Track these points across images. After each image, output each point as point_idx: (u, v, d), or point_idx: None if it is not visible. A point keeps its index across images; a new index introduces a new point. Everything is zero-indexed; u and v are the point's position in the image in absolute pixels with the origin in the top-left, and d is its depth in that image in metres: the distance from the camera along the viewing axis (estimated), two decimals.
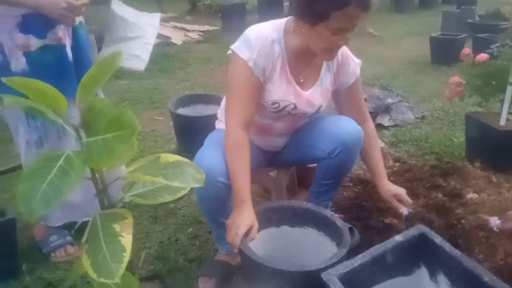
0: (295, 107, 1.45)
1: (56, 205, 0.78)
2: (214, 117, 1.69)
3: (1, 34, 1.43)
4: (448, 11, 6.37)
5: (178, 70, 4.48)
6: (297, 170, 1.97)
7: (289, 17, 1.41)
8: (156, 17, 4.86)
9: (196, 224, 1.88)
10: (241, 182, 1.31)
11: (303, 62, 1.44)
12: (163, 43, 5.43)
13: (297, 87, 1.44)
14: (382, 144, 2.57)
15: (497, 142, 2.17)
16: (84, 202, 1.63)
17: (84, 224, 0.92)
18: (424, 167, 2.27)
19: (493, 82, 2.18)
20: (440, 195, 1.96)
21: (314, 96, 1.48)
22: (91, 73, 0.89)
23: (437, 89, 3.51)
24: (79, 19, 1.59)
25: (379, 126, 2.86)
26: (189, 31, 6.24)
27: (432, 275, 1.18)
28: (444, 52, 4.44)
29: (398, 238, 1.19)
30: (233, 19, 6.06)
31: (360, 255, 1.13)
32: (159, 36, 5.22)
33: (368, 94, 3.24)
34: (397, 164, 2.35)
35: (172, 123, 2.67)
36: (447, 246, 1.13)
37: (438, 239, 1.16)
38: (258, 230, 1.32)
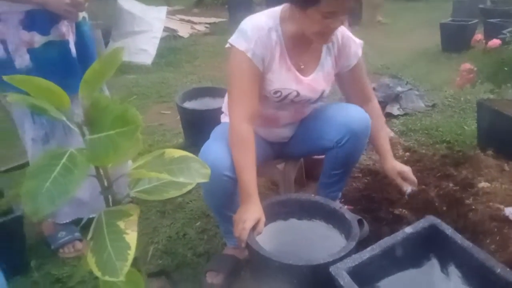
0: (298, 94, 1.44)
1: (61, 204, 0.78)
2: (221, 111, 1.68)
3: (5, 31, 1.42)
4: None
5: (185, 63, 4.46)
6: (305, 162, 1.95)
7: (284, 4, 1.39)
8: (162, 11, 4.85)
9: (204, 218, 1.88)
10: (247, 176, 1.30)
11: (302, 48, 1.42)
12: (170, 36, 5.42)
13: (298, 74, 1.43)
14: (392, 134, 2.53)
15: (509, 129, 2.11)
16: (93, 199, 1.64)
17: (92, 220, 0.92)
18: (435, 156, 2.24)
19: (506, 68, 2.12)
20: (451, 185, 1.93)
21: (316, 81, 1.46)
22: (94, 68, 0.88)
23: (448, 76, 3.45)
24: (82, 14, 1.58)
25: (389, 115, 2.82)
26: (196, 23, 6.22)
27: (443, 267, 1.16)
28: (455, 39, 4.36)
29: (408, 230, 1.17)
30: (241, 11, 5.99)
31: (369, 248, 1.12)
32: (166, 29, 5.21)
33: (377, 83, 3.19)
34: (407, 153, 2.32)
35: (179, 117, 2.66)
36: (459, 238, 1.11)
37: (449, 230, 1.14)
38: (266, 224, 1.31)
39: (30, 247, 1.70)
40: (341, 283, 1.01)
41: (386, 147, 1.54)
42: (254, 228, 1.25)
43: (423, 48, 4.61)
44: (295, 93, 1.43)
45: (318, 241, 1.40)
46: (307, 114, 1.59)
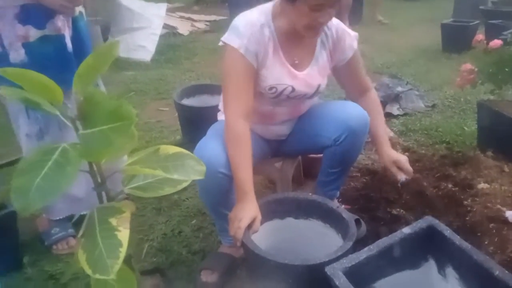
0: (293, 89, 1.42)
1: (52, 200, 0.76)
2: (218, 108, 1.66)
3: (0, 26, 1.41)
4: None
5: (185, 60, 4.44)
6: (303, 160, 1.94)
7: (275, 0, 1.38)
8: (162, 8, 4.83)
9: (200, 215, 1.86)
10: (243, 174, 1.29)
11: (295, 43, 1.41)
12: (170, 33, 5.39)
13: (292, 69, 1.42)
14: (391, 133, 2.52)
15: (510, 130, 2.10)
16: (88, 195, 1.62)
17: (84, 216, 0.90)
18: (434, 157, 2.22)
19: (507, 69, 2.11)
20: (450, 186, 1.92)
21: (311, 75, 1.45)
22: (88, 62, 0.87)
23: (448, 77, 3.43)
24: (79, 9, 1.56)
25: (388, 115, 2.80)
26: (196, 21, 6.18)
27: (441, 268, 1.14)
28: (455, 39, 4.34)
29: (406, 230, 1.15)
30: (241, 8, 5.85)
31: (366, 248, 1.10)
32: (166, 26, 5.19)
33: (377, 83, 3.17)
34: (407, 153, 2.30)
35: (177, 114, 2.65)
36: (457, 239, 1.09)
37: (447, 231, 1.13)
38: (262, 222, 1.29)
39: (24, 243, 1.68)
40: (337, 283, 1.00)
41: (382, 135, 1.51)
42: (250, 226, 1.24)
43: (423, 48, 4.59)
44: (290, 89, 1.42)
45: (315, 241, 1.39)
46: (304, 111, 1.57)
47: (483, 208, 1.67)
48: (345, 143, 1.45)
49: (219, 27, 5.85)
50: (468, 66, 2.26)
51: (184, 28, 5.74)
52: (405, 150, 2.35)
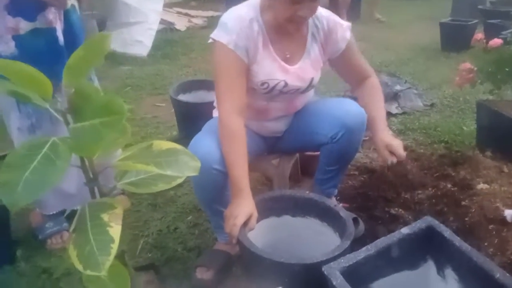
0: (286, 84, 1.40)
1: (41, 195, 0.74)
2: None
3: None
4: None
5: (181, 56, 4.40)
6: (301, 158, 1.92)
7: None
8: (159, 2, 4.75)
9: (196, 212, 1.84)
10: (238, 171, 1.26)
11: (285, 37, 1.39)
12: (167, 29, 5.35)
13: (283, 63, 1.40)
14: (390, 132, 2.50)
15: (509, 130, 2.09)
16: (81, 191, 1.59)
17: (77, 211, 0.88)
18: (433, 156, 2.21)
19: (507, 69, 2.09)
20: (449, 185, 1.90)
21: (304, 69, 1.43)
22: (78, 54, 0.83)
23: (447, 76, 3.41)
24: (71, 2, 1.52)
25: (387, 114, 2.76)
26: (193, 17, 6.14)
27: (440, 269, 1.13)
28: (454, 38, 4.32)
29: (405, 230, 1.13)
30: (238, 4, 5.92)
31: (364, 248, 1.08)
32: (163, 22, 5.14)
33: None
34: (405, 152, 2.28)
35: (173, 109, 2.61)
36: (457, 240, 1.07)
37: (447, 232, 1.10)
38: (258, 220, 1.27)
39: (17, 238, 1.66)
40: (334, 283, 0.98)
41: (378, 119, 1.45)
42: (245, 224, 1.22)
43: (422, 46, 4.57)
44: (283, 83, 1.40)
45: (312, 239, 1.37)
46: (300, 107, 1.55)
47: (482, 209, 1.66)
48: (342, 141, 1.43)
49: (217, 23, 5.78)
50: (467, 65, 2.24)
51: (181, 23, 5.70)
52: (403, 149, 2.32)
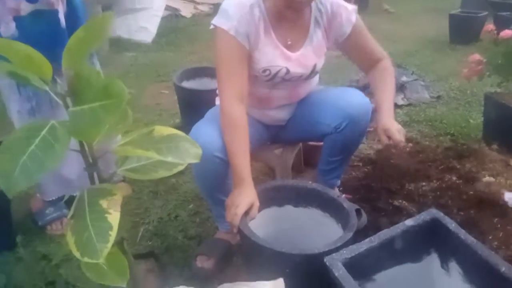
0: (288, 71, 1.38)
1: (39, 179, 0.72)
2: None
3: None
4: None
5: (186, 43, 4.37)
6: (304, 148, 1.90)
7: None
8: None
9: (197, 200, 1.82)
10: (239, 159, 1.24)
11: (287, 23, 1.36)
12: (172, 15, 5.31)
13: (285, 50, 1.37)
14: (392, 115, 2.47)
15: None
16: (80, 176, 1.58)
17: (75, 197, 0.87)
18: (438, 149, 2.18)
19: None
20: (454, 178, 1.88)
21: (306, 55, 1.40)
22: (78, 35, 0.81)
23: (454, 68, 3.36)
24: None
25: None
26: (198, 3, 6.08)
27: (444, 262, 1.11)
28: (463, 30, 4.26)
29: (409, 222, 1.11)
30: None
31: (367, 240, 1.06)
32: (168, 8, 5.10)
33: None
34: (410, 144, 2.26)
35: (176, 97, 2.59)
36: (462, 233, 1.05)
37: (452, 224, 1.08)
38: (260, 209, 1.25)
39: (17, 223, 1.65)
40: (336, 274, 0.96)
41: (383, 101, 1.41)
42: (247, 213, 1.20)
43: (430, 38, 4.51)
44: (284, 70, 1.37)
45: (314, 230, 1.35)
46: (304, 96, 1.53)
47: (487, 202, 1.63)
48: (346, 131, 1.41)
49: None
50: (476, 56, 2.20)
51: (186, 10, 5.65)
52: (408, 141, 2.30)
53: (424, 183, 1.85)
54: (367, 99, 1.42)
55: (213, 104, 1.55)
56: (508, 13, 4.24)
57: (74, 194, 1.64)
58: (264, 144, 1.60)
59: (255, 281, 1.05)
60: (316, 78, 1.57)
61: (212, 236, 1.56)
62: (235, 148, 1.25)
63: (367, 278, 1.07)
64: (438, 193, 1.78)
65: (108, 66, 3.42)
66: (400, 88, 2.93)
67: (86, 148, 0.88)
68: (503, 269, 0.94)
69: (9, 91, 1.47)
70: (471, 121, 2.53)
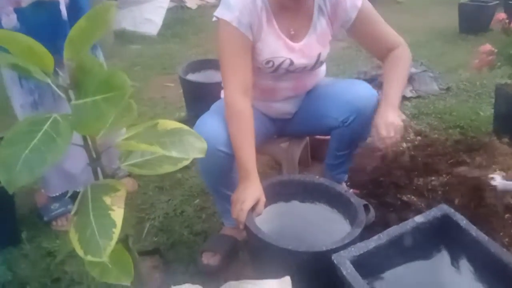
0: (292, 62, 1.35)
1: (40, 173, 0.70)
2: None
3: None
4: None
5: (192, 35, 4.33)
6: (311, 142, 1.87)
7: None
8: None
9: (203, 195, 1.81)
10: (244, 153, 1.22)
11: (290, 13, 1.33)
12: (178, 7, 5.27)
13: (288, 41, 1.34)
14: (403, 117, 2.43)
15: None
16: (85, 171, 1.57)
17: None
18: (448, 142, 2.14)
19: None
20: (464, 172, 1.83)
21: (309, 45, 1.37)
22: (80, 26, 0.78)
23: (464, 59, 3.31)
24: None
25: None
26: None
27: (454, 260, 1.08)
28: (473, 20, 4.18)
29: (419, 219, 1.09)
30: None
31: (375, 237, 1.04)
32: None
33: None
34: (419, 137, 2.21)
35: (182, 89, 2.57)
36: (473, 230, 1.03)
37: (463, 221, 1.06)
38: (266, 205, 1.24)
39: (23, 218, 1.65)
40: (344, 273, 0.94)
41: (387, 92, 1.35)
42: (253, 208, 1.18)
43: (439, 28, 4.43)
44: (288, 61, 1.34)
45: (321, 226, 1.33)
46: (310, 87, 1.50)
47: (497, 197, 1.60)
48: (353, 125, 1.39)
49: None
50: (487, 47, 2.15)
51: (192, 2, 5.60)
52: (417, 133, 2.26)
53: (433, 178, 1.81)
54: (374, 92, 1.39)
55: (219, 97, 1.53)
56: None
57: (78, 190, 1.63)
58: (270, 138, 1.58)
59: (261, 278, 1.03)
60: (323, 69, 1.54)
61: (218, 232, 1.54)
62: (239, 140, 1.23)
63: (375, 276, 1.05)
64: (447, 187, 1.74)
65: (113, 59, 3.40)
66: (409, 79, 2.88)
67: (90, 142, 0.86)
68: None
69: (12, 84, 1.46)
70: (481, 113, 2.48)
